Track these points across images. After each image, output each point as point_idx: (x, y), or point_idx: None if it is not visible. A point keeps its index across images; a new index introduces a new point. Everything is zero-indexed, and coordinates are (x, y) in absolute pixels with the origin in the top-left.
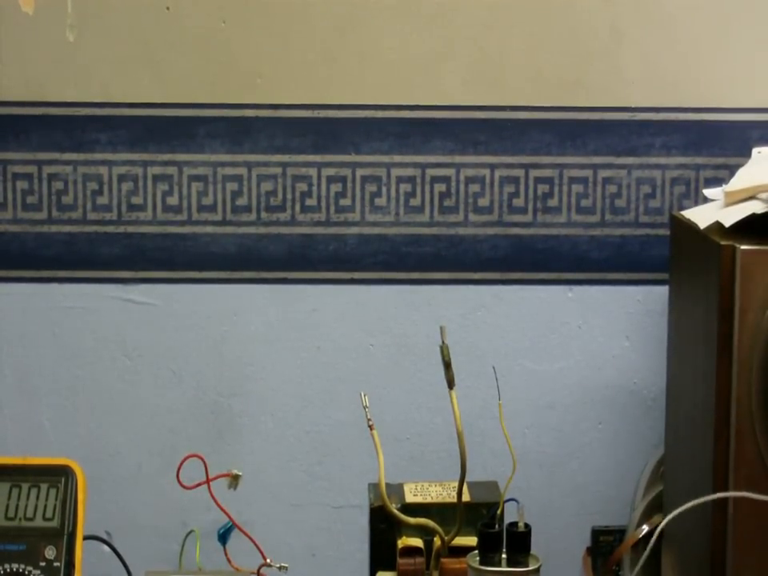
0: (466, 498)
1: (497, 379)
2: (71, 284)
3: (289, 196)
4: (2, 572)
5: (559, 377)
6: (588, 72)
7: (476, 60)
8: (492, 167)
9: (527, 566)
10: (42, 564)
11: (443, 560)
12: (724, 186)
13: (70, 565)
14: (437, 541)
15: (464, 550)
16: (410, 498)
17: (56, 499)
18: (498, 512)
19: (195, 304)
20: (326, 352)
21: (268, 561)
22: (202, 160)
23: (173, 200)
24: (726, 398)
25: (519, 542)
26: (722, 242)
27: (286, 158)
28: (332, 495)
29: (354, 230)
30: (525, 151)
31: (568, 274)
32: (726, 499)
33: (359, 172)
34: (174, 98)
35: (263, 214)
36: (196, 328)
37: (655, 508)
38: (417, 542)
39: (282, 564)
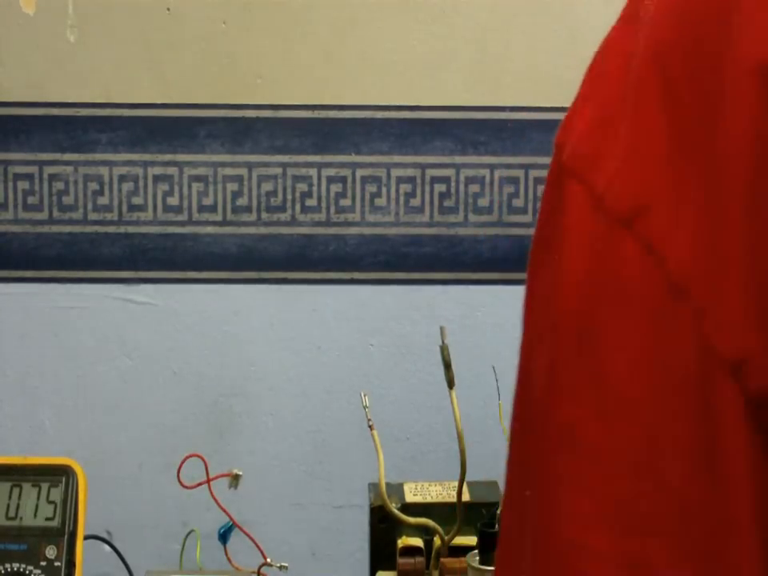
0: (465, 497)
1: (497, 379)
2: (72, 284)
3: (289, 196)
4: (2, 572)
5: None
6: None
7: (476, 60)
8: (492, 167)
9: None
10: (43, 564)
11: (443, 560)
12: None
13: (70, 564)
14: (437, 540)
15: (464, 550)
16: (410, 497)
17: (57, 499)
18: (498, 511)
19: (195, 304)
20: (326, 352)
21: (268, 560)
22: (203, 160)
23: (173, 200)
24: None
25: None
26: None
27: (286, 158)
28: (332, 495)
29: (354, 230)
30: (525, 151)
31: None
32: None
33: (359, 172)
34: (175, 98)
35: (263, 215)
36: (196, 328)
37: None
38: (417, 541)
39: (282, 564)
